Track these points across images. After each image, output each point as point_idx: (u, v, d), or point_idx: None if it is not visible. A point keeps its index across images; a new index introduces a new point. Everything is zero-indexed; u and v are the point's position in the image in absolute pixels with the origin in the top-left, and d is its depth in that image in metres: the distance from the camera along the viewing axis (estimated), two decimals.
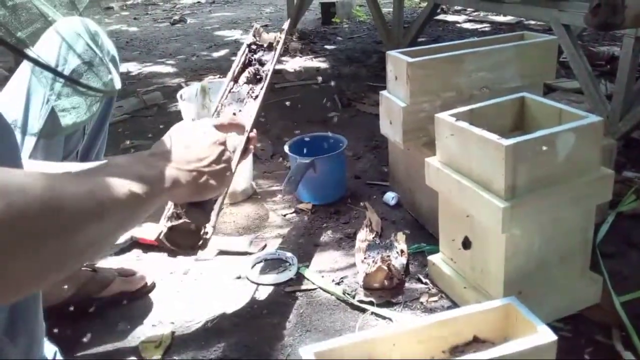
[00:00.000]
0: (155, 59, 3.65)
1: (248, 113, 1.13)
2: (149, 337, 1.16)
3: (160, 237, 0.94)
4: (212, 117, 1.06)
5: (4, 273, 0.47)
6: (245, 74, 1.21)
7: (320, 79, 2.76)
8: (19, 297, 0.52)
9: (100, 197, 0.58)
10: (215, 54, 3.73)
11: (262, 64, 1.24)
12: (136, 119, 2.49)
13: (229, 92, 1.19)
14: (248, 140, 1.07)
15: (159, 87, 2.94)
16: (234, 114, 1.12)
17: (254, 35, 1.27)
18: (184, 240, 0.95)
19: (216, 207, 1.00)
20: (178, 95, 1.71)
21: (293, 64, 3.27)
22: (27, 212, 0.48)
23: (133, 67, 3.44)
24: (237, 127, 1.00)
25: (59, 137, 1.04)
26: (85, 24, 1.11)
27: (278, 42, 1.26)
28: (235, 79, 1.21)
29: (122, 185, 0.63)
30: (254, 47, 1.26)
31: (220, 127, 0.93)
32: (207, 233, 0.95)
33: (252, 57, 1.25)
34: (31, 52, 0.94)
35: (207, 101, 1.00)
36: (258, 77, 1.20)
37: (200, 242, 0.95)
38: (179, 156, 0.78)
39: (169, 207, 0.95)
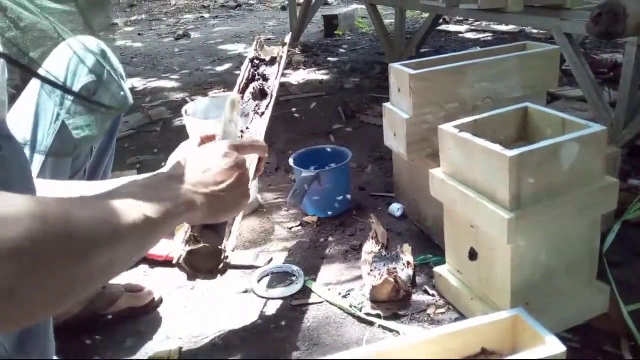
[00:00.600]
0: (160, 74, 3.68)
1: (257, 131, 1.13)
2: (157, 352, 1.16)
3: (180, 262, 0.93)
4: (237, 136, 1.05)
5: (20, 299, 0.47)
6: (250, 90, 1.21)
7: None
8: (33, 323, 0.53)
9: (115, 223, 0.58)
10: (219, 68, 3.75)
11: (265, 79, 1.23)
12: (142, 135, 2.51)
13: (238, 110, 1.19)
14: (260, 160, 1.06)
15: (164, 102, 2.96)
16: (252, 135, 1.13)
17: (256, 50, 1.27)
18: (204, 264, 0.94)
19: (234, 230, 0.98)
20: (183, 111, 1.72)
21: (296, 77, 3.29)
22: (44, 239, 0.49)
23: (138, 83, 3.46)
24: (258, 149, 0.98)
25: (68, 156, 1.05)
26: (93, 42, 1.13)
27: (281, 56, 1.26)
28: (241, 95, 1.21)
29: (138, 210, 0.63)
30: (256, 61, 1.26)
31: (240, 149, 0.92)
32: (227, 257, 0.94)
33: (256, 72, 1.24)
34: (42, 70, 0.96)
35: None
36: (263, 93, 1.20)
37: (221, 266, 0.95)
38: (197, 179, 0.78)
39: (187, 230, 0.94)
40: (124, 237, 0.59)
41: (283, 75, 3.55)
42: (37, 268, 0.48)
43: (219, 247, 0.93)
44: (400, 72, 1.41)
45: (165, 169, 1.08)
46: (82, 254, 0.53)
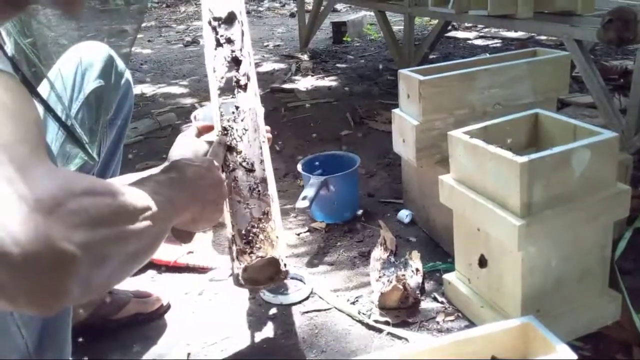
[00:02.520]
0: (169, 80, 3.69)
1: (251, 111, 1.02)
2: (164, 358, 1.16)
3: (240, 281, 0.92)
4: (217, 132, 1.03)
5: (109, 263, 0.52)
6: (221, 61, 1.06)
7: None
8: (93, 297, 0.56)
9: (152, 207, 0.61)
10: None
11: (230, 41, 1.07)
12: (151, 140, 2.52)
13: (218, 89, 1.06)
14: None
15: (173, 108, 2.97)
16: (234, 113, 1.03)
17: (209, 10, 1.10)
18: (261, 275, 0.93)
19: (280, 234, 0.96)
20: (192, 117, 1.72)
21: (305, 83, 3.29)
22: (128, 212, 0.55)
23: (147, 89, 3.48)
24: (209, 129, 1.03)
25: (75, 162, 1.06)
26: (100, 47, 1.13)
27: (240, 12, 1.10)
28: (214, 69, 1.07)
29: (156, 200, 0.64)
30: (214, 22, 1.09)
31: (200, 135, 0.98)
32: (285, 264, 0.93)
33: (219, 37, 1.08)
34: (47, 85, 0.97)
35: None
36: (237, 60, 1.07)
37: (282, 274, 0.93)
38: (195, 188, 0.79)
39: (230, 247, 0.93)
40: (151, 220, 0.60)
41: (291, 81, 3.55)
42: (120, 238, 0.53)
43: (273, 256, 0.92)
44: (409, 78, 1.40)
45: (167, 163, 1.07)
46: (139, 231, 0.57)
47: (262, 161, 0.99)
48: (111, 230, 0.52)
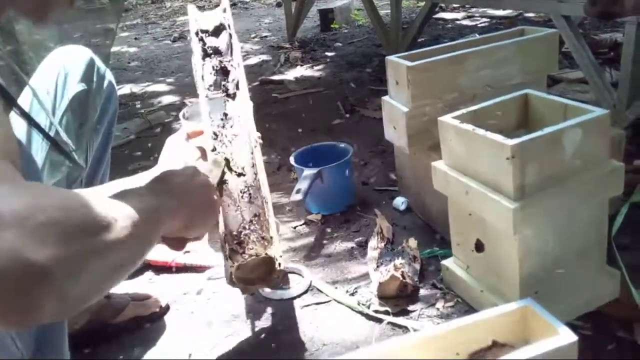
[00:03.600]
0: (158, 78, 3.66)
1: (241, 118, 1.02)
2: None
3: (233, 280, 0.91)
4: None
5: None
6: (209, 70, 1.08)
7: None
8: (72, 314, 0.53)
9: (133, 217, 0.58)
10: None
11: (218, 52, 1.10)
12: (142, 140, 2.50)
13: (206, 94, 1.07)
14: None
15: (163, 106, 2.95)
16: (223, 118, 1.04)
17: (196, 20, 1.13)
18: (254, 274, 0.93)
19: (275, 233, 0.95)
20: (180, 115, 1.70)
21: (294, 73, 3.27)
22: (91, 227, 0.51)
23: (136, 87, 3.45)
24: (199, 134, 1.02)
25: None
26: (81, 50, 1.12)
27: (229, 24, 1.12)
28: (202, 77, 1.08)
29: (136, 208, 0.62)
30: (202, 34, 1.12)
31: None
32: (280, 264, 0.93)
33: (205, 47, 1.10)
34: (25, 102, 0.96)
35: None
36: (225, 70, 1.08)
37: (276, 274, 0.93)
38: (178, 194, 0.77)
39: (223, 247, 0.92)
40: (133, 228, 0.58)
41: (280, 72, 3.51)
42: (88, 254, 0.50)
43: (267, 254, 0.91)
44: (397, 65, 1.39)
45: (156, 167, 1.07)
46: (110, 245, 0.53)
47: (253, 165, 0.98)
48: (86, 243, 0.50)
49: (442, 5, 4.40)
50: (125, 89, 3.38)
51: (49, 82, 1.05)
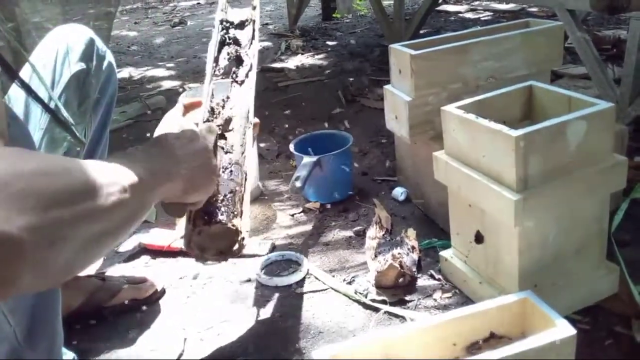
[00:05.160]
0: (157, 63, 3.64)
1: (243, 104, 1.03)
2: (160, 344, 1.15)
3: (190, 245, 0.90)
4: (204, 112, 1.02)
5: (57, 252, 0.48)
6: (224, 55, 1.10)
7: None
8: (56, 284, 0.54)
9: (122, 181, 0.57)
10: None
11: (237, 43, 1.12)
12: (140, 124, 2.48)
13: (213, 75, 1.08)
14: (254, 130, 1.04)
15: (162, 91, 2.93)
16: (223, 100, 1.04)
17: (223, 10, 1.15)
18: (214, 244, 0.91)
19: (246, 210, 0.94)
20: (179, 99, 1.69)
21: (295, 62, 3.25)
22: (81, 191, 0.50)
23: (135, 72, 3.43)
24: (196, 105, 1.01)
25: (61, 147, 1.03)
26: (81, 29, 1.10)
27: (253, 20, 1.14)
28: (216, 60, 1.10)
29: (133, 171, 0.61)
30: (226, 23, 1.14)
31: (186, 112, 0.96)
32: (243, 238, 0.91)
33: (226, 36, 1.12)
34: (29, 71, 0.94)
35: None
36: (239, 59, 1.09)
37: (236, 247, 0.91)
38: (181, 154, 0.76)
39: (190, 215, 0.90)
40: (131, 193, 0.57)
41: (281, 60, 3.50)
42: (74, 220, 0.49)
43: (231, 226, 0.89)
44: (400, 53, 1.38)
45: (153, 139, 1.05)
46: (101, 209, 0.53)
47: (242, 144, 0.97)
48: (68, 210, 0.48)
49: None
50: (124, 73, 3.36)
51: (49, 60, 1.04)
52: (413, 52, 1.33)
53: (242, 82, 1.06)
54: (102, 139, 1.20)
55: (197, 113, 1.01)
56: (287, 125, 2.27)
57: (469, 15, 4.13)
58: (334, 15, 4.44)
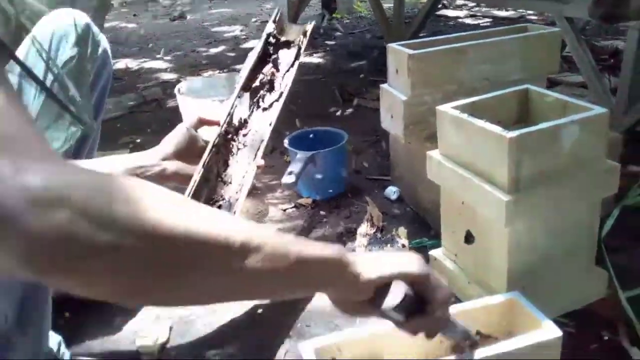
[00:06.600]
0: (155, 55, 3.63)
1: (258, 133, 1.01)
2: (145, 332, 1.14)
3: None
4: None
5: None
6: (259, 74, 1.07)
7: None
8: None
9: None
10: (214, 50, 3.70)
11: (277, 67, 1.08)
12: (135, 115, 2.47)
13: (242, 90, 1.06)
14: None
15: (158, 83, 2.92)
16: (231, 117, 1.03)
17: (275, 22, 1.11)
18: None
19: (238, 212, 0.93)
20: (176, 89, 1.69)
21: None
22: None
23: (132, 63, 3.42)
24: (212, 123, 1.01)
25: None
26: (77, 14, 1.09)
27: (299, 46, 1.09)
28: (250, 75, 1.06)
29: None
30: (272, 39, 1.10)
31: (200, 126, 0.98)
32: None
33: (269, 52, 1.09)
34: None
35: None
36: (272, 84, 1.07)
37: None
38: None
39: None
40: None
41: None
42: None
43: None
44: (398, 52, 1.38)
45: (158, 148, 1.06)
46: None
47: (241, 183, 0.95)
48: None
49: (445, 1, 4.40)
50: (121, 64, 3.35)
51: (44, 43, 1.03)
52: (410, 51, 1.33)
53: (265, 109, 1.05)
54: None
55: (211, 130, 1.01)
56: (282, 121, 2.24)
57: (469, 21, 4.15)
58: (334, 15, 4.45)
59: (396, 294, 0.66)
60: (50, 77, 1.00)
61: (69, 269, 0.41)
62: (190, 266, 0.46)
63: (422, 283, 0.69)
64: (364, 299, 0.66)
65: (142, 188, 0.46)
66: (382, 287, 0.66)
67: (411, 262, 0.69)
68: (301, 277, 0.57)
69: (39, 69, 1.00)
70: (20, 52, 1.01)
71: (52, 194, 0.39)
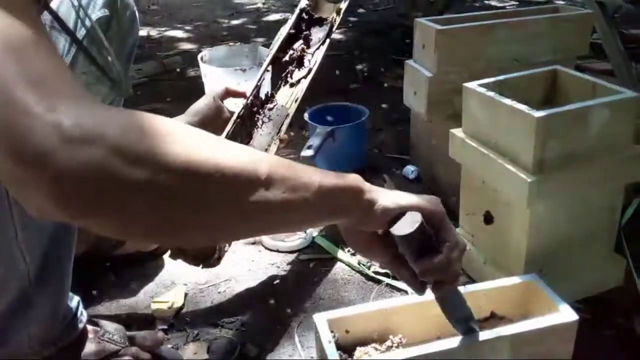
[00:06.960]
0: (176, 24, 3.61)
1: (284, 109, 1.02)
2: (161, 297, 1.15)
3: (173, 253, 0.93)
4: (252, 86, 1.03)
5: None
6: (290, 51, 1.07)
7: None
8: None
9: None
10: (235, 22, 3.68)
11: (307, 43, 1.08)
12: (155, 83, 2.47)
13: (270, 63, 1.05)
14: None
15: (179, 52, 2.91)
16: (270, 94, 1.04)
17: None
18: (198, 252, 0.93)
19: None
20: (199, 57, 1.68)
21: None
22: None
23: (153, 32, 3.40)
24: (238, 95, 1.03)
25: None
26: None
27: (332, 24, 1.08)
28: (281, 48, 1.07)
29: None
30: (305, 15, 1.10)
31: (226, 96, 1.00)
32: (219, 257, 0.94)
33: (301, 28, 1.09)
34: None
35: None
36: (301, 61, 1.08)
37: (216, 256, 0.93)
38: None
39: None
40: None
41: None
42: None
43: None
44: (426, 27, 1.35)
45: (183, 117, 1.06)
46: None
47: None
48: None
49: None
50: (143, 32, 3.33)
51: (70, 6, 1.02)
52: (439, 26, 1.31)
53: (293, 85, 1.05)
54: None
55: (237, 101, 1.01)
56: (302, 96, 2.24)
57: (495, 2, 4.07)
58: None
59: (411, 221, 0.64)
60: (82, 31, 1.00)
61: (102, 207, 0.40)
62: (222, 200, 0.46)
63: (439, 220, 0.68)
64: (378, 228, 0.66)
65: (173, 125, 0.45)
66: (397, 217, 0.64)
67: (430, 200, 0.69)
68: (323, 205, 0.57)
69: (71, 24, 1.00)
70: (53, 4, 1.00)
71: (85, 131, 0.39)
